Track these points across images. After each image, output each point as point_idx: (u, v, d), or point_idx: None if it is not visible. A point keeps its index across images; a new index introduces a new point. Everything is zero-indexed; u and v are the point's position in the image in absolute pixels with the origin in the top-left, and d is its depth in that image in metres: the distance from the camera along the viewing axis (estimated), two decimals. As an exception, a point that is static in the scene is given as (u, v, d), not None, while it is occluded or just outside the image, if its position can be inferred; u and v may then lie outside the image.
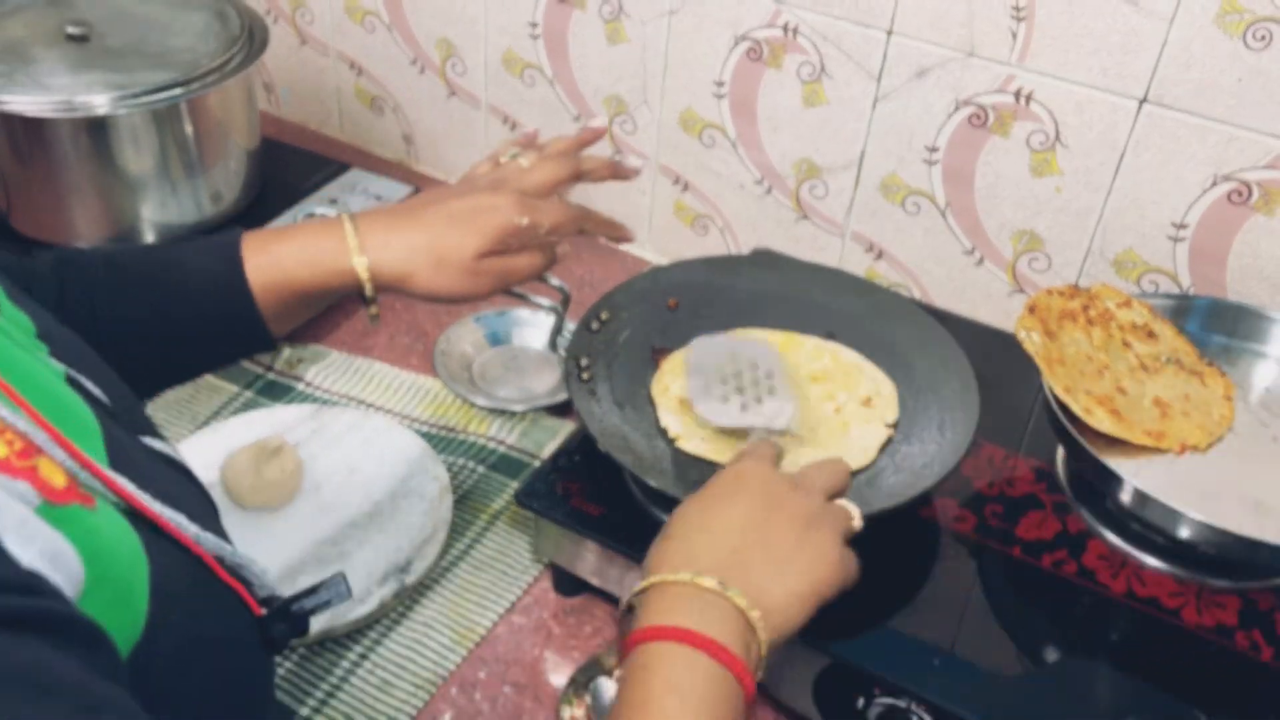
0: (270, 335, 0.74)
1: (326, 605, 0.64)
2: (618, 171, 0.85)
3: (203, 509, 0.56)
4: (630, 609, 0.61)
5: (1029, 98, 1.00)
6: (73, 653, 0.36)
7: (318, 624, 0.84)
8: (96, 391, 0.53)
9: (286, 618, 0.58)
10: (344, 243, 0.72)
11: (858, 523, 0.68)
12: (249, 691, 0.56)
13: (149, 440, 0.56)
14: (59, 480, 0.42)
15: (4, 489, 0.39)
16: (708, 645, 0.55)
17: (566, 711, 0.80)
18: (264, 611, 0.56)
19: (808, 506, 0.65)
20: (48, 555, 0.38)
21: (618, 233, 0.84)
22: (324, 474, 0.95)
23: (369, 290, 0.72)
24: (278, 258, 0.72)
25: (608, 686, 0.81)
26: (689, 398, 0.85)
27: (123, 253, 0.77)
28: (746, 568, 0.60)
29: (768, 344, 0.91)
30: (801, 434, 0.83)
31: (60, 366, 0.51)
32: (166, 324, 0.71)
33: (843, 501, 0.68)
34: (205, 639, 0.49)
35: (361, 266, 0.71)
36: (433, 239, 0.73)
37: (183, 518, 0.49)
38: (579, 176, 0.82)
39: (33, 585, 0.37)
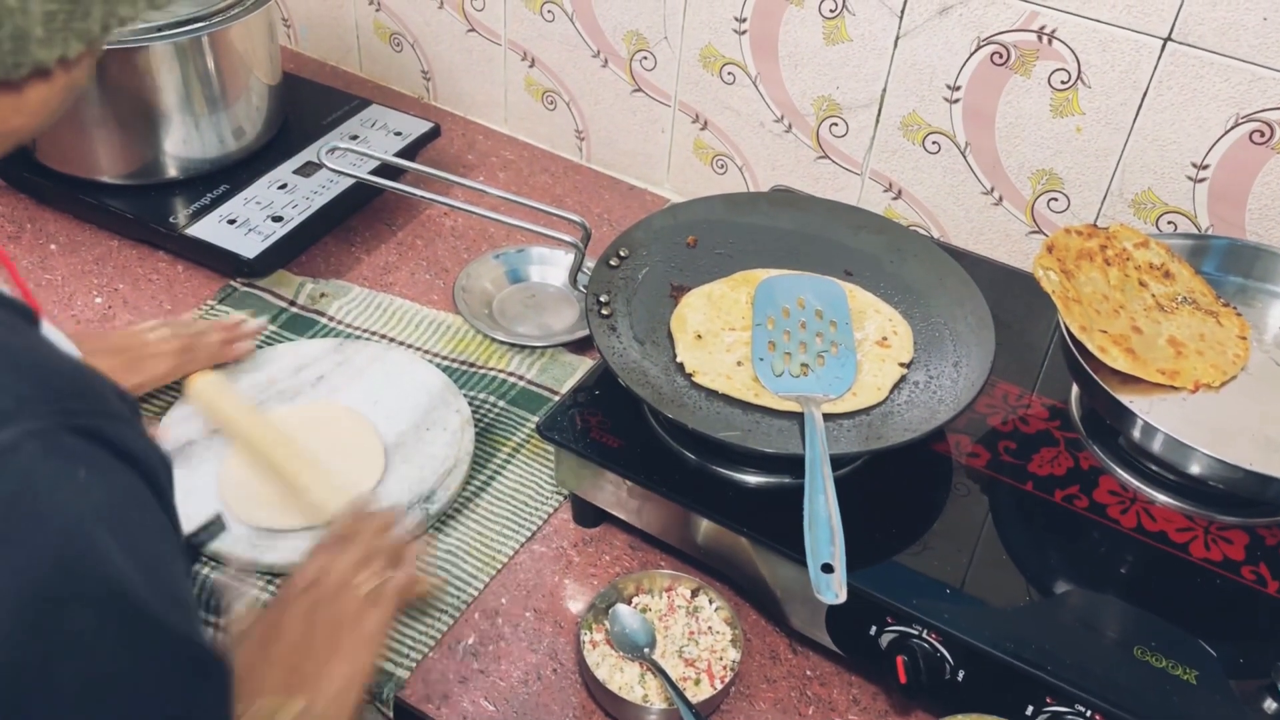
0: None
1: (205, 543, 0.85)
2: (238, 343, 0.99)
3: None
4: None
5: (1052, 36, 0.99)
6: None
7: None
8: None
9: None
10: None
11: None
12: None
13: None
14: None
15: None
16: None
17: (586, 636, 0.82)
18: None
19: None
20: None
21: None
22: (348, 406, 0.97)
23: None
24: None
25: (626, 613, 0.83)
26: (751, 355, 0.86)
27: None
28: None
29: (837, 284, 0.91)
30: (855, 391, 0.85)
31: None
32: None
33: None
34: None
35: None
36: None
37: None
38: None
39: None
